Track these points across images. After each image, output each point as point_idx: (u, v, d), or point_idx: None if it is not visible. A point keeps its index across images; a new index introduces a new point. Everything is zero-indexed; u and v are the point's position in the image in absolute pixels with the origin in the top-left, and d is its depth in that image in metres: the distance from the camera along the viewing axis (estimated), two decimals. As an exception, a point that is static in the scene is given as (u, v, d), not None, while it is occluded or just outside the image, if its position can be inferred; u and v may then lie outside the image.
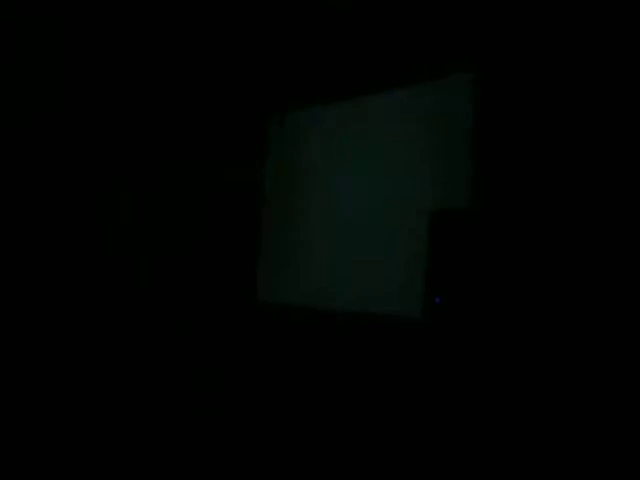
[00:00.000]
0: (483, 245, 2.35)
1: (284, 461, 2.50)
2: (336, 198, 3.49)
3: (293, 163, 3.79)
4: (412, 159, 3.11)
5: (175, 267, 3.89)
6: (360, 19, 3.29)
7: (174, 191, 4.02)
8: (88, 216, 3.37)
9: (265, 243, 3.92)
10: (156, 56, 3.75)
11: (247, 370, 3.33)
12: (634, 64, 2.25)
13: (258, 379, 3.28)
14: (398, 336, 2.91)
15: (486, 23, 2.75)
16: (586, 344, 2.19)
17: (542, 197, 2.46)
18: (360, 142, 3.39)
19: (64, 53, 3.19)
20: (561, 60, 2.49)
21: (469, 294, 2.36)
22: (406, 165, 3.13)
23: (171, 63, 3.81)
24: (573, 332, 2.23)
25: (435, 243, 2.48)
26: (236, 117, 4.07)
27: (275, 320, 3.59)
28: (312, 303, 3.46)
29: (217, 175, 4.03)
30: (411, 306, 2.81)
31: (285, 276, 3.73)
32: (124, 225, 3.62)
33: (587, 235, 2.30)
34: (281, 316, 3.57)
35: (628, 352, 2.10)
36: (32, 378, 2.73)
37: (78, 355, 3.00)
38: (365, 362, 3.04)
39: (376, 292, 3.14)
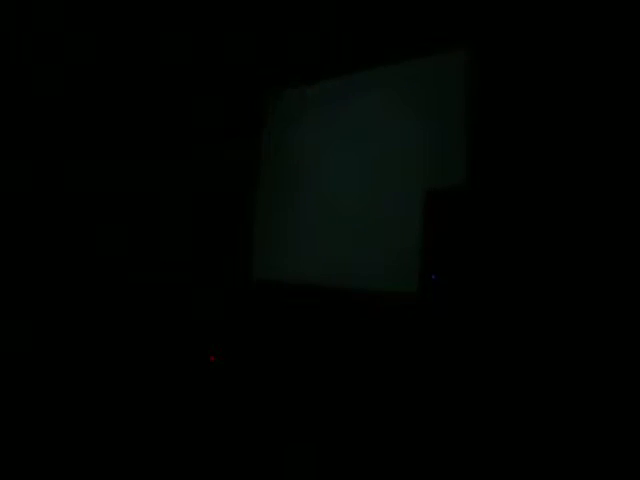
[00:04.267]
0: (478, 223, 2.34)
1: (276, 434, 2.54)
2: (332, 175, 3.46)
3: (289, 141, 3.75)
4: (408, 137, 3.07)
5: (171, 250, 3.89)
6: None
7: (170, 173, 4.00)
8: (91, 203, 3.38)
9: (261, 221, 3.90)
10: (149, 42, 3.69)
11: (245, 348, 3.37)
12: (634, 45, 2.21)
13: (255, 356, 3.32)
14: (393, 313, 2.92)
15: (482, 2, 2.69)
16: (579, 323, 2.20)
17: (536, 175, 2.44)
18: (356, 119, 3.34)
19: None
20: (557, 36, 2.45)
21: (465, 272, 2.36)
22: (402, 143, 3.10)
23: (166, 44, 3.75)
24: (570, 313, 2.24)
25: (430, 221, 2.47)
26: (232, 96, 4.02)
27: (271, 298, 3.61)
28: (308, 281, 3.46)
29: (213, 155, 4.00)
30: (407, 283, 2.81)
31: (281, 254, 3.73)
32: (120, 213, 3.63)
33: (584, 215, 2.29)
34: (277, 294, 3.59)
35: (620, 330, 2.11)
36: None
37: (83, 347, 3.04)
38: (360, 339, 3.06)
39: (372, 269, 3.14)
